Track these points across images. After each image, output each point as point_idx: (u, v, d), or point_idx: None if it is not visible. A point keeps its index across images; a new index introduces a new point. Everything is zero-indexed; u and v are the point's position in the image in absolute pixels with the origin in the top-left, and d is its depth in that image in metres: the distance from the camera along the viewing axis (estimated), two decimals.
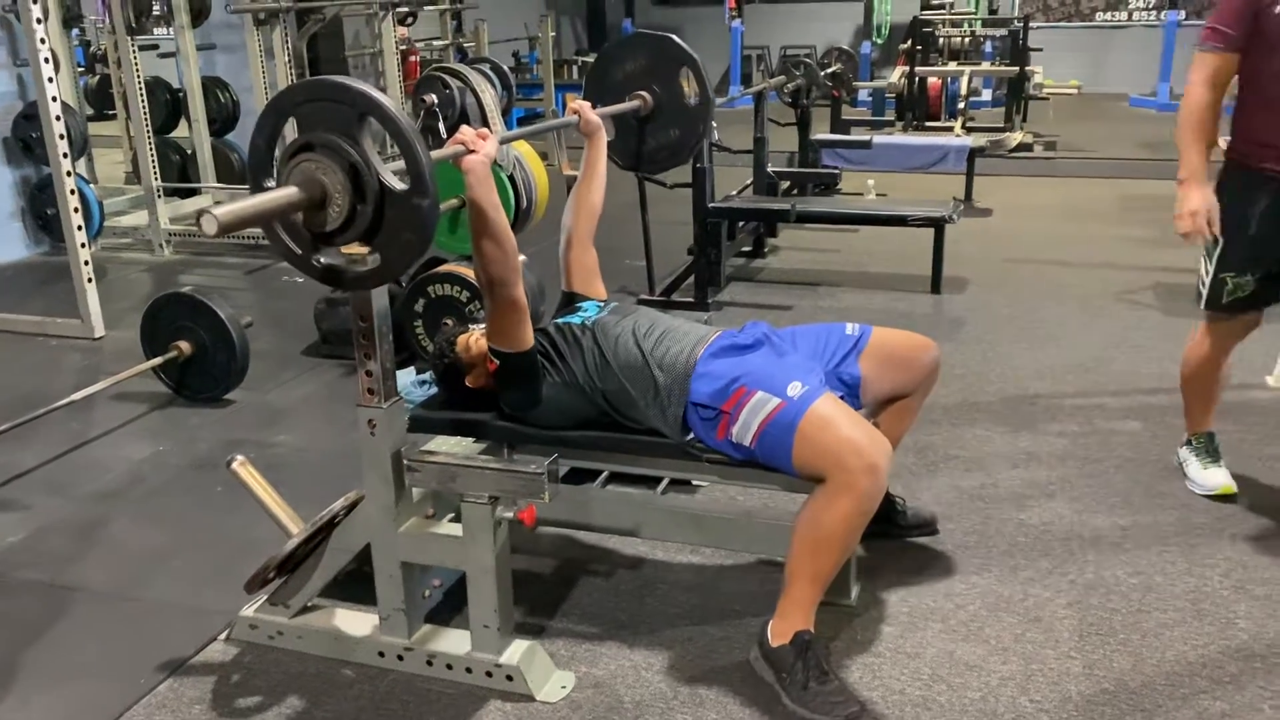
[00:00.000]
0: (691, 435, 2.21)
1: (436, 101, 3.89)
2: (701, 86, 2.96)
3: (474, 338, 2.38)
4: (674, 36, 2.97)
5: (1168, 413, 3.45)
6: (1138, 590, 2.46)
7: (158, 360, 3.70)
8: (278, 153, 1.80)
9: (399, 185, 1.72)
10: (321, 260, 1.83)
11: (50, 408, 3.47)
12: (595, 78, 3.05)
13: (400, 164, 1.74)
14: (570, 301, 2.57)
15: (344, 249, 1.81)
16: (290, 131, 1.81)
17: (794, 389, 2.09)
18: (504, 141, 2.27)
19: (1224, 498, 2.86)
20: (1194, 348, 2.91)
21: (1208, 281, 2.76)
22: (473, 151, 2.07)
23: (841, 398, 2.22)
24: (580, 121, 2.65)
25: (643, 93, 2.93)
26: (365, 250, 1.80)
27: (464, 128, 2.14)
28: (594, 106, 2.74)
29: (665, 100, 2.96)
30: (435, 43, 10.09)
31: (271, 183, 1.78)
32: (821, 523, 2.04)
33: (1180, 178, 2.65)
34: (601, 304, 2.49)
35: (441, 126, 3.87)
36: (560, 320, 2.42)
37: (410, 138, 1.70)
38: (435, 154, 1.99)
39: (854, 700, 2.05)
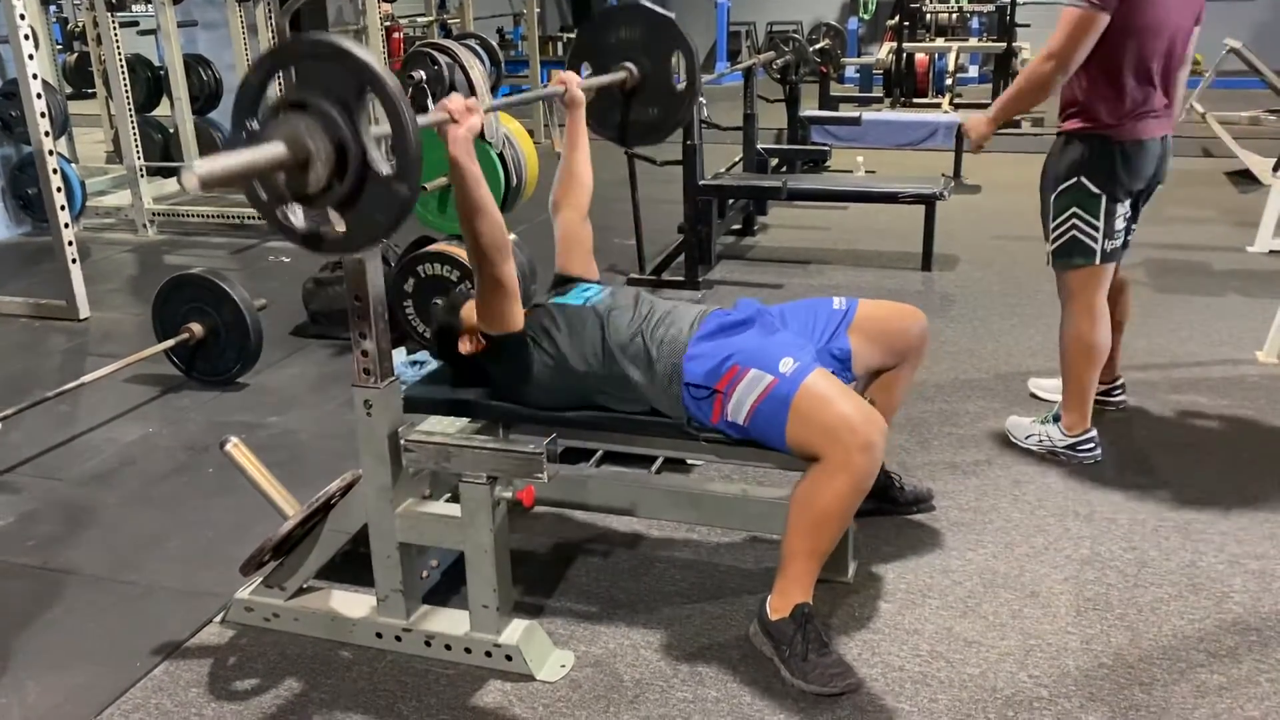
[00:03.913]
0: (690, 416, 2.19)
1: (425, 78, 3.84)
2: (691, 74, 2.88)
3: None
4: (673, 17, 2.89)
5: (1159, 388, 3.46)
6: (1133, 565, 2.47)
7: (170, 342, 3.67)
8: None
9: (384, 169, 1.65)
10: (286, 214, 1.75)
11: (59, 390, 3.41)
12: (587, 40, 2.91)
13: (385, 128, 1.69)
14: (565, 282, 2.53)
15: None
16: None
17: (786, 365, 2.08)
18: (490, 110, 2.21)
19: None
20: None
21: None
22: (456, 123, 2.02)
23: (833, 373, 2.20)
24: (565, 92, 2.57)
25: (629, 64, 2.83)
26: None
27: (453, 95, 2.08)
28: (581, 75, 2.70)
29: (652, 76, 2.87)
30: (419, 19, 10.00)
31: (254, 123, 1.72)
32: (817, 501, 2.03)
33: None
34: (600, 286, 2.46)
35: (430, 103, 3.83)
36: (559, 300, 2.38)
37: (407, 125, 1.62)
38: (420, 120, 1.94)
39: (852, 672, 2.06)
